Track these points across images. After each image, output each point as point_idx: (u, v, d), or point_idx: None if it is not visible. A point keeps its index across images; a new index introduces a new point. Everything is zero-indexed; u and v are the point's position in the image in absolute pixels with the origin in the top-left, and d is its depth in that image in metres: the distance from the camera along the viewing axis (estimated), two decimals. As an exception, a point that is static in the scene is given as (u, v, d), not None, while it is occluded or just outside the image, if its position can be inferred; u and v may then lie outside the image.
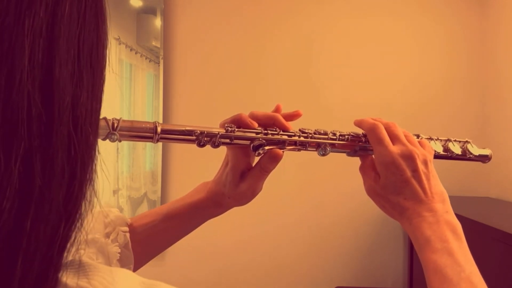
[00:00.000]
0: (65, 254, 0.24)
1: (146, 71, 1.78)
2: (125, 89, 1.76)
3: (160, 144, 1.73)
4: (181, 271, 1.75)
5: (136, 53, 1.77)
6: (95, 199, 0.26)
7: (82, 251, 0.44)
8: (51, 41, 0.21)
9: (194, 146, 0.47)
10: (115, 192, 1.75)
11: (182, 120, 1.78)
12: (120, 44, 1.74)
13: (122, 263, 0.50)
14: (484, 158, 0.60)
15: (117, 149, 1.75)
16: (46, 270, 0.22)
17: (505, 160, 1.58)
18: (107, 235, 0.50)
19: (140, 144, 1.76)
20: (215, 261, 1.77)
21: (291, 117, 0.54)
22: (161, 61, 1.76)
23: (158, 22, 1.76)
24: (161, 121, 1.74)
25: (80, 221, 0.24)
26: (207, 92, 1.79)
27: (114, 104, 1.75)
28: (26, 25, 0.20)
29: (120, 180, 1.76)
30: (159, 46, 1.76)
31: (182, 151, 1.76)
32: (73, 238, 0.24)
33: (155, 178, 1.76)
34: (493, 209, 1.46)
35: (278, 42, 1.79)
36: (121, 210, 1.76)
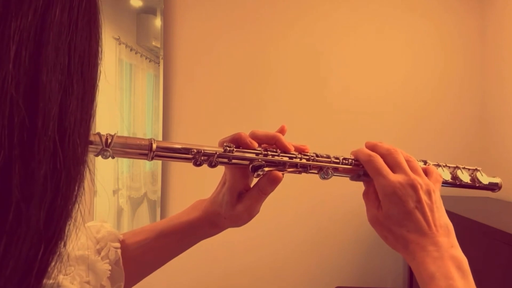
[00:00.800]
0: (44, 281, 0.21)
1: (146, 71, 1.78)
2: (125, 89, 1.76)
3: (160, 144, 1.73)
4: (181, 271, 1.75)
5: (136, 53, 1.77)
6: (81, 219, 0.24)
7: (61, 276, 0.43)
8: (39, 46, 0.20)
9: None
10: (115, 192, 1.75)
11: (181, 120, 1.78)
12: (120, 44, 1.74)
13: (113, 281, 0.48)
14: (493, 187, 0.58)
15: (117, 149, 1.75)
16: None
17: (505, 160, 1.58)
18: (98, 251, 0.49)
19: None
20: (215, 261, 1.77)
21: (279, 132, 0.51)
22: (161, 61, 1.76)
23: (158, 22, 1.76)
24: (161, 121, 1.74)
25: (62, 243, 0.22)
26: (207, 92, 1.79)
27: (114, 105, 1.75)
28: (13, 28, 0.19)
29: (120, 180, 1.76)
30: (159, 46, 1.76)
31: (182, 151, 1.75)
32: (54, 262, 0.22)
33: (155, 178, 1.76)
34: (493, 209, 1.46)
35: (278, 41, 1.79)
36: (121, 210, 1.76)
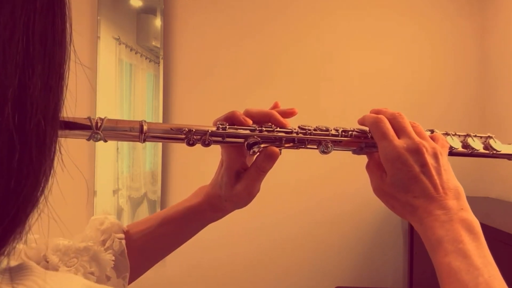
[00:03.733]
0: None
1: (146, 71, 1.78)
2: (125, 89, 1.76)
3: (160, 144, 1.73)
4: (181, 273, 1.75)
5: (136, 53, 1.77)
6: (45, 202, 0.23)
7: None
8: None
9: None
10: (115, 192, 1.75)
11: (182, 120, 1.78)
12: (120, 44, 1.74)
13: (118, 271, 0.48)
14: (510, 155, 0.53)
15: (117, 149, 1.75)
16: None
17: (505, 160, 1.58)
18: (103, 243, 0.49)
19: (140, 144, 1.76)
20: (214, 261, 1.77)
21: (287, 114, 0.50)
22: (161, 61, 1.75)
23: (158, 22, 1.76)
24: (161, 121, 1.74)
25: (20, 225, 0.22)
26: (207, 92, 1.79)
27: (114, 105, 1.75)
28: None
29: (120, 180, 1.76)
30: (159, 46, 1.76)
31: (182, 151, 1.75)
32: (9, 241, 0.21)
33: (155, 178, 1.76)
34: (493, 209, 1.46)
35: (278, 41, 1.79)
36: (121, 210, 1.76)
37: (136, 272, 0.51)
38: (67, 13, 0.24)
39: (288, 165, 1.63)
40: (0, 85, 0.20)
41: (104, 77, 1.72)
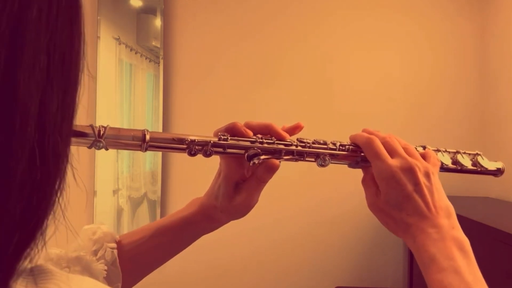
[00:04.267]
0: (20, 263, 0.22)
1: (146, 71, 1.78)
2: (125, 89, 1.76)
3: (160, 144, 1.73)
4: (180, 273, 1.75)
5: (136, 53, 1.77)
6: (61, 212, 0.24)
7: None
8: (15, 46, 0.20)
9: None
10: (115, 192, 1.75)
11: (181, 120, 1.78)
12: (120, 44, 1.74)
13: (109, 281, 0.48)
14: (496, 172, 0.57)
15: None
16: None
17: (505, 160, 1.58)
18: (95, 253, 0.49)
19: (140, 144, 1.76)
20: (214, 261, 1.77)
21: (293, 130, 0.50)
22: (161, 61, 1.76)
23: (158, 22, 1.76)
24: (161, 121, 1.74)
25: (40, 233, 0.23)
26: (207, 92, 1.79)
27: (114, 105, 1.75)
28: None
29: (120, 180, 1.76)
30: (159, 46, 1.76)
31: (182, 151, 1.75)
32: (30, 249, 0.23)
33: (155, 178, 1.76)
34: (493, 209, 1.46)
35: (278, 41, 1.79)
36: (121, 210, 1.76)
37: (128, 282, 0.51)
38: (82, 31, 0.25)
39: (287, 165, 1.62)
40: (25, 104, 0.20)
41: (104, 77, 1.72)
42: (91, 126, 0.39)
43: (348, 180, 1.73)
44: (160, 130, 1.73)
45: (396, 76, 1.79)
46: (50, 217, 0.24)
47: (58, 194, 0.24)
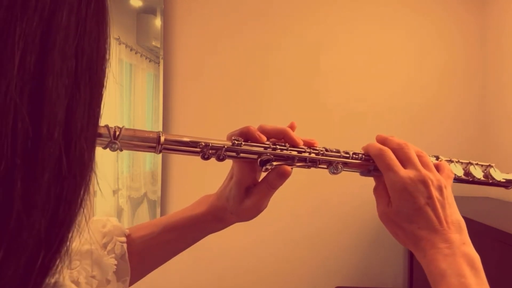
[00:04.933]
0: (46, 280, 0.22)
1: (146, 71, 1.78)
2: (125, 89, 1.76)
3: (160, 144, 1.73)
4: (181, 272, 1.75)
5: (136, 53, 1.77)
6: (85, 223, 0.23)
7: (66, 270, 0.43)
8: (45, 51, 0.20)
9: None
10: (115, 192, 1.75)
11: (181, 120, 1.78)
12: (120, 44, 1.74)
13: (118, 275, 0.48)
14: (507, 183, 0.56)
15: (117, 149, 1.75)
16: None
17: (505, 160, 1.58)
18: (104, 246, 0.49)
19: (140, 144, 1.76)
20: (215, 261, 1.77)
21: (308, 143, 0.50)
22: (161, 61, 1.76)
23: (158, 22, 1.76)
24: (161, 121, 1.74)
25: (65, 248, 0.22)
26: (207, 92, 1.79)
27: (114, 104, 1.75)
28: (18, 33, 0.18)
29: (120, 180, 1.76)
30: (159, 46, 1.76)
31: (182, 151, 1.75)
32: (55, 266, 0.22)
33: (155, 178, 1.76)
34: (493, 209, 1.46)
35: (278, 41, 1.79)
36: (121, 210, 1.76)
37: (135, 276, 0.51)
38: (108, 34, 0.24)
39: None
40: (52, 109, 0.20)
41: (112, 78, 1.71)
42: (107, 127, 0.39)
43: (349, 181, 1.73)
44: (160, 130, 1.73)
45: (396, 75, 1.79)
46: (75, 229, 0.23)
47: (83, 205, 0.23)
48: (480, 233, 1.08)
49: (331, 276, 1.77)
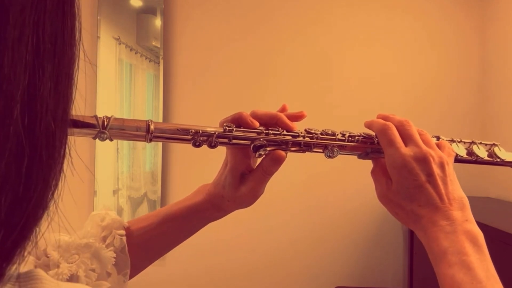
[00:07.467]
0: (7, 266, 0.21)
1: (146, 71, 1.78)
2: (125, 89, 1.76)
3: (160, 144, 1.73)
4: (181, 269, 1.75)
5: (136, 53, 1.77)
6: (56, 207, 0.23)
7: (65, 264, 0.43)
8: None
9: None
10: (115, 192, 1.75)
11: (182, 120, 1.78)
12: (120, 44, 1.74)
13: (118, 268, 0.48)
14: None
15: (117, 149, 1.75)
16: None
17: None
18: (104, 239, 0.49)
19: (140, 144, 1.76)
20: (215, 260, 1.77)
21: (295, 117, 0.50)
22: (161, 61, 1.75)
23: (158, 22, 1.76)
24: (161, 121, 1.74)
25: (31, 231, 0.21)
26: (207, 92, 1.79)
27: (114, 104, 1.75)
28: None
29: (120, 180, 1.76)
30: (159, 46, 1.76)
31: (182, 151, 1.76)
32: (20, 251, 0.21)
33: (155, 178, 1.76)
34: (493, 209, 1.46)
35: (278, 41, 1.79)
36: (121, 210, 1.76)
37: (136, 268, 0.51)
38: (76, 12, 0.23)
39: (287, 166, 1.62)
40: (9, 86, 0.19)
41: (104, 77, 1.72)
42: (95, 117, 0.39)
43: (349, 180, 1.74)
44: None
45: (396, 74, 1.79)
46: (44, 214, 0.22)
47: (53, 189, 0.22)
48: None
49: (331, 276, 1.77)
